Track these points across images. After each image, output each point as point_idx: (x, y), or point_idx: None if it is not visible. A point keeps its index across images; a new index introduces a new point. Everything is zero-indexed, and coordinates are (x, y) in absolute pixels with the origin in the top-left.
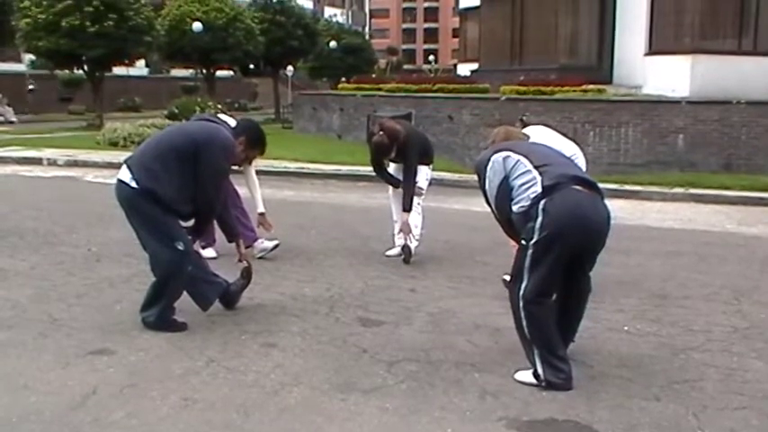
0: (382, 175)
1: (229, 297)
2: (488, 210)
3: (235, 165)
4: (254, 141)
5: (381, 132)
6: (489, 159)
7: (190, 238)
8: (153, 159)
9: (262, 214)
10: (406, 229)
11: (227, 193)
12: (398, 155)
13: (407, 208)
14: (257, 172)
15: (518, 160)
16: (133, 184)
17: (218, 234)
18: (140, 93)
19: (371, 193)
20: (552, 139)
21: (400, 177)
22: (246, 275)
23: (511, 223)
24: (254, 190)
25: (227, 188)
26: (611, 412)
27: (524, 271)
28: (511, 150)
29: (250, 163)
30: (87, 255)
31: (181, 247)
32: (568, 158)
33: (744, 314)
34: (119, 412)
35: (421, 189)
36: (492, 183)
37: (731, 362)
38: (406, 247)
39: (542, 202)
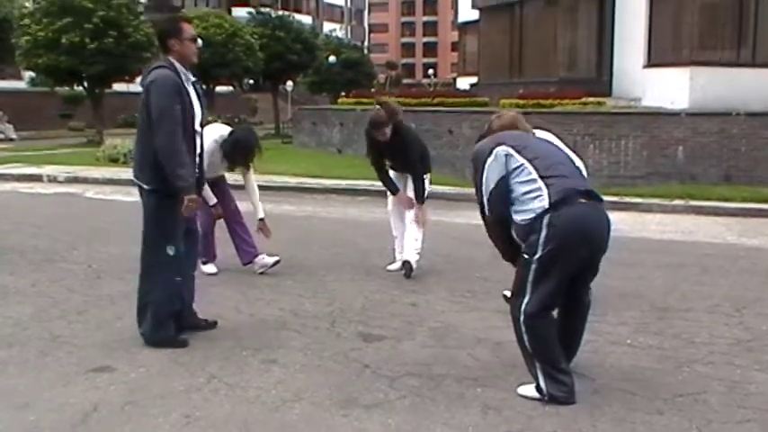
0: (380, 173)
1: (187, 323)
2: None
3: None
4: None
5: (379, 107)
6: (492, 151)
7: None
8: (135, 145)
9: (261, 220)
10: (420, 219)
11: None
12: (397, 151)
13: (420, 200)
14: (259, 187)
15: (522, 165)
16: (137, 182)
17: (219, 249)
18: None
19: (371, 207)
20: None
21: (400, 186)
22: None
23: (501, 225)
24: (252, 196)
25: (222, 186)
26: (615, 426)
27: (527, 285)
28: (514, 149)
29: (249, 168)
30: (88, 271)
31: (171, 251)
32: (571, 161)
33: (746, 326)
34: (120, 430)
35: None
36: (489, 177)
37: (734, 374)
38: (406, 263)
39: (547, 216)
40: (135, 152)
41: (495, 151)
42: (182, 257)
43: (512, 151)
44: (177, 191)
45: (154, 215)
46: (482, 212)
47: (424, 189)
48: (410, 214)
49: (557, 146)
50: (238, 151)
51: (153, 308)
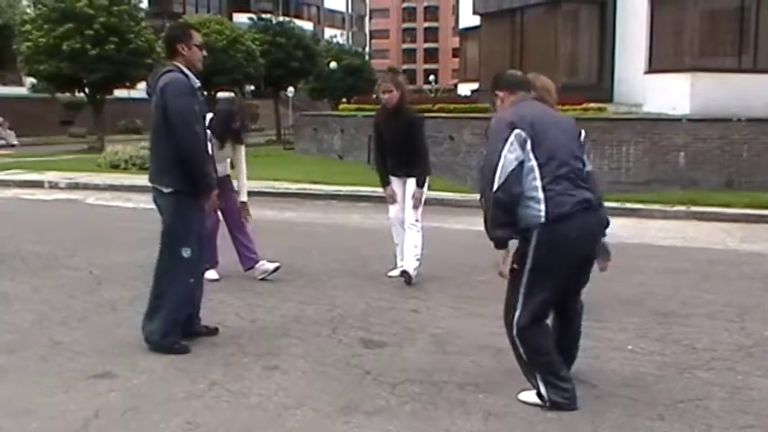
0: (379, 164)
1: (192, 328)
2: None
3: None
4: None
5: (390, 80)
6: (513, 131)
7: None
8: (151, 150)
9: (244, 203)
10: (418, 201)
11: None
12: (399, 133)
13: (420, 185)
14: (257, 193)
15: (532, 167)
16: (155, 186)
17: (220, 256)
18: (141, 115)
19: (372, 213)
20: None
21: (398, 191)
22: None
23: (512, 204)
24: (240, 176)
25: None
26: None
27: (519, 297)
28: (532, 142)
29: (241, 142)
30: (89, 278)
31: (186, 254)
32: (581, 164)
33: (748, 332)
34: None
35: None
36: (509, 157)
37: (736, 380)
38: (405, 273)
39: (540, 228)
40: (151, 157)
41: (516, 132)
42: (195, 259)
43: (528, 146)
44: (203, 188)
45: (173, 217)
46: (487, 187)
47: (424, 177)
48: (409, 217)
49: (571, 141)
50: (222, 121)
51: (165, 313)
